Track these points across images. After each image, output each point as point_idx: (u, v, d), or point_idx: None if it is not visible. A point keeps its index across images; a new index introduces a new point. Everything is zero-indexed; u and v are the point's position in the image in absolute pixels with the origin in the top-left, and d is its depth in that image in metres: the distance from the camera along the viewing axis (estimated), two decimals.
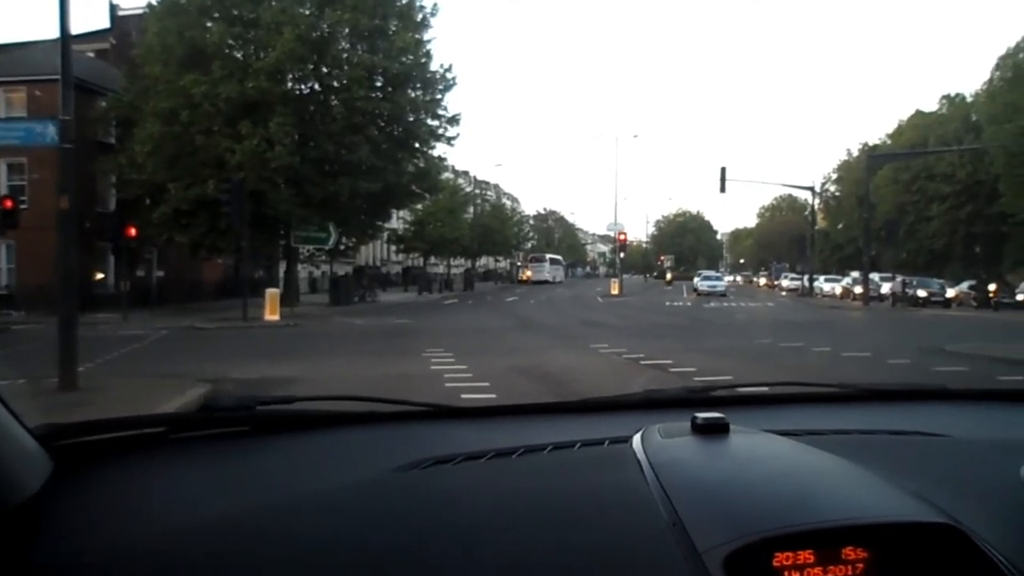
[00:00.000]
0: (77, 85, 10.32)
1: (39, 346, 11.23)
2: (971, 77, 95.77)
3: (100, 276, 26.37)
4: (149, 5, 25.33)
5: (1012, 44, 39.53)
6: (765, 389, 1.67)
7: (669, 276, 69.62)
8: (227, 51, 24.21)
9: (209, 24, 24.08)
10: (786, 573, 0.79)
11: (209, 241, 24.89)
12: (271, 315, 20.30)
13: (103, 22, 31.27)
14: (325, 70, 24.99)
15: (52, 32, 8.79)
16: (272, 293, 21.10)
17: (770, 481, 0.93)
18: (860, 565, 0.81)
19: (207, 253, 26.51)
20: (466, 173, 62.51)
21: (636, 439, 1.09)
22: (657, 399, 1.52)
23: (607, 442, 1.15)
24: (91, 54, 29.07)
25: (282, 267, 28.78)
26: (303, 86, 25.61)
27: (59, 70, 8.62)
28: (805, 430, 1.24)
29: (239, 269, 24.49)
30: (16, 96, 25.25)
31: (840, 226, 58.79)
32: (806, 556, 0.80)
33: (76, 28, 9.07)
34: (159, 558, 0.84)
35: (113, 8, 31.20)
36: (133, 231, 23.44)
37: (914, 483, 0.95)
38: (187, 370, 9.97)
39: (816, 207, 50.33)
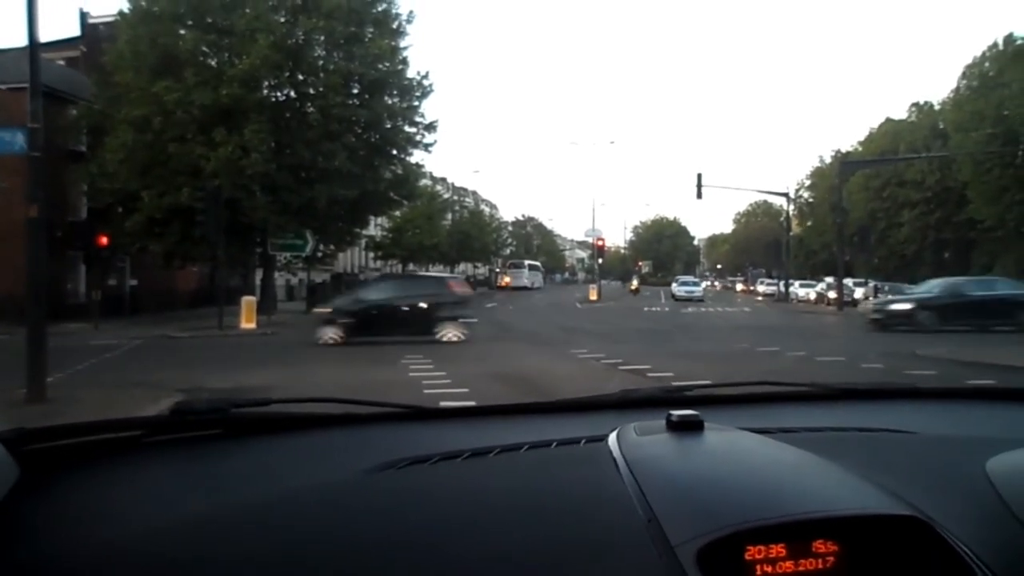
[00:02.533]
0: (47, 93, 10.18)
1: (7, 357, 11.01)
2: (939, 85, 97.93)
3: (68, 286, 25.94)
4: (121, 12, 25.04)
5: (978, 54, 40.55)
6: (739, 389, 1.69)
7: (635, 283, 59.45)
8: (201, 58, 23.99)
9: (182, 31, 23.85)
10: (758, 566, 0.80)
11: (183, 250, 24.60)
12: (247, 323, 20.09)
13: (73, 29, 30.91)
14: (301, 77, 24.87)
15: (21, 39, 8.67)
16: (248, 301, 20.89)
17: (743, 476, 0.94)
18: (831, 558, 0.82)
19: (181, 262, 26.21)
20: (444, 180, 62.50)
21: (612, 437, 1.09)
22: (633, 399, 1.53)
23: (583, 441, 1.15)
24: (61, 62, 28.64)
25: (259, 275, 28.52)
26: (278, 93, 25.45)
27: (28, 78, 8.51)
28: (778, 428, 1.25)
29: (214, 277, 24.26)
30: None
31: (809, 224, 59.51)
32: (778, 550, 0.81)
33: (46, 35, 8.96)
34: (129, 561, 0.83)
35: (83, 15, 30.83)
36: (105, 240, 23.12)
37: (883, 478, 0.97)
38: (161, 380, 9.83)
39: (791, 213, 51.03)
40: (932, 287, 21.42)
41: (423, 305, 16.24)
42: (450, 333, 15.87)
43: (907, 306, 19.51)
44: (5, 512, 0.93)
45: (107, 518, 0.95)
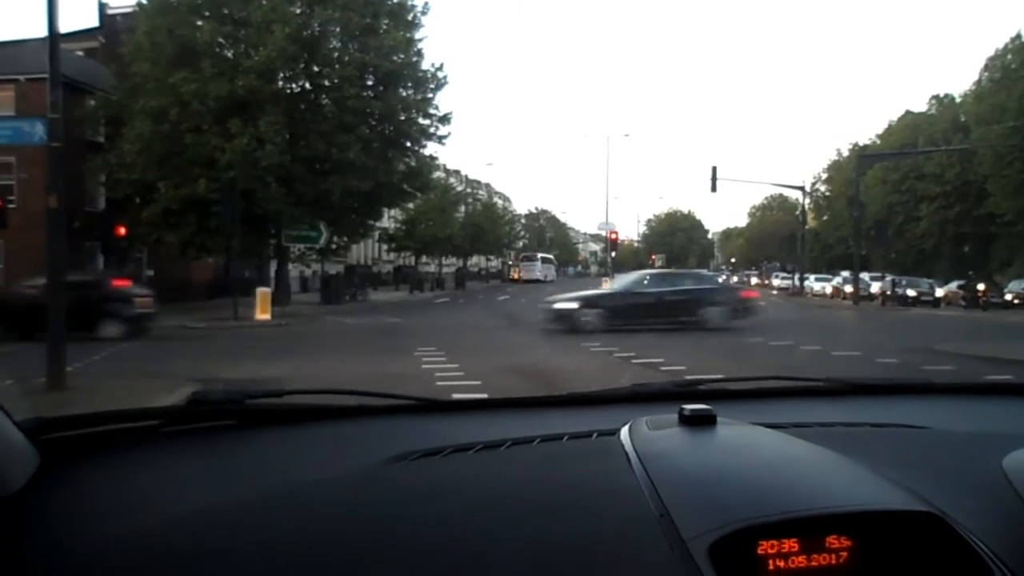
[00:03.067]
0: (66, 84, 10.25)
1: (27, 346, 11.17)
2: (960, 78, 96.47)
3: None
4: (139, 3, 25.18)
5: (1000, 46, 39.96)
6: (752, 383, 1.68)
7: None
8: (217, 49, 24.10)
9: (199, 22, 23.95)
10: (771, 561, 0.80)
11: (199, 240, 24.78)
12: (262, 314, 20.21)
13: (92, 20, 31.10)
14: (316, 69, 24.91)
15: (40, 30, 8.72)
16: (263, 292, 21.01)
17: (756, 471, 0.94)
18: (844, 553, 0.82)
19: (197, 252, 26.40)
20: (457, 172, 62.39)
21: (624, 431, 1.09)
22: (644, 393, 1.52)
23: (595, 434, 1.15)
24: (80, 52, 28.85)
25: (273, 266, 28.69)
26: (294, 85, 25.52)
27: (47, 68, 8.57)
28: (791, 423, 1.24)
29: (229, 268, 24.44)
30: (4, 95, 25.03)
31: (825, 218, 58.77)
32: (791, 544, 0.80)
33: (65, 26, 9.01)
34: (146, 550, 0.84)
35: (102, 6, 30.94)
36: (122, 230, 23.31)
37: (897, 473, 0.96)
38: (177, 370, 9.92)
39: (807, 207, 50.61)
40: (615, 283, 20.77)
41: (83, 300, 14.82)
42: (112, 329, 15.05)
43: (571, 305, 17.41)
44: (26, 499, 0.94)
45: (124, 506, 0.96)
